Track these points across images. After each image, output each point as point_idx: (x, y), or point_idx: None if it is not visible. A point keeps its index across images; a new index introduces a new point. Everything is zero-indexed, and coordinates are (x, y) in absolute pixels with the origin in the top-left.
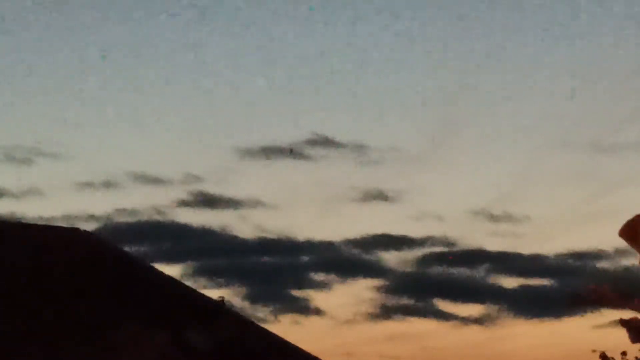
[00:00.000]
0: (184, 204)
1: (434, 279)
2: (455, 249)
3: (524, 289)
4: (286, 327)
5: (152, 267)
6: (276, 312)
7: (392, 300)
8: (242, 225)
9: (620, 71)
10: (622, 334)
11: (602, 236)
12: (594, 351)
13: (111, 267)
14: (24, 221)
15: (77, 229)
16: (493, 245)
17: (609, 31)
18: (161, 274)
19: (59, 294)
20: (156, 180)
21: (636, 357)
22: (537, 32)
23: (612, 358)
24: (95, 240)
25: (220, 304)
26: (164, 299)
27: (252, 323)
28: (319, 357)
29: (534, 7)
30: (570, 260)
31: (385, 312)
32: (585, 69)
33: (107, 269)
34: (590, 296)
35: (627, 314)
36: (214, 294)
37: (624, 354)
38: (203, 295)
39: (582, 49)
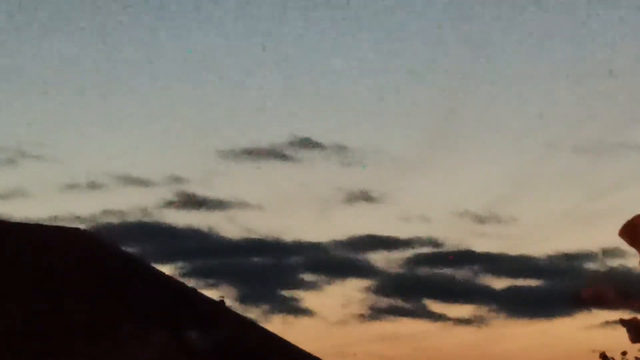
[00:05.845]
0: (169, 205)
1: (423, 280)
2: (442, 249)
3: (513, 289)
4: (277, 328)
5: (152, 267)
6: (266, 313)
7: (382, 301)
8: (229, 227)
9: (614, 71)
10: (613, 334)
11: (591, 237)
12: (594, 351)
13: (111, 267)
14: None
15: (77, 229)
16: (481, 246)
17: (608, 31)
18: (161, 273)
19: (59, 294)
20: (141, 182)
21: (636, 357)
22: (535, 32)
23: (612, 358)
24: (95, 240)
25: (220, 304)
26: (163, 298)
27: (252, 323)
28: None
29: (532, 7)
30: (558, 262)
31: (375, 313)
32: (579, 69)
33: (107, 269)
34: (590, 296)
35: (627, 314)
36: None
37: (624, 353)
38: (203, 295)
39: (580, 49)
